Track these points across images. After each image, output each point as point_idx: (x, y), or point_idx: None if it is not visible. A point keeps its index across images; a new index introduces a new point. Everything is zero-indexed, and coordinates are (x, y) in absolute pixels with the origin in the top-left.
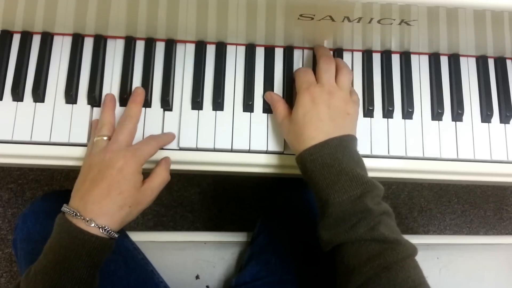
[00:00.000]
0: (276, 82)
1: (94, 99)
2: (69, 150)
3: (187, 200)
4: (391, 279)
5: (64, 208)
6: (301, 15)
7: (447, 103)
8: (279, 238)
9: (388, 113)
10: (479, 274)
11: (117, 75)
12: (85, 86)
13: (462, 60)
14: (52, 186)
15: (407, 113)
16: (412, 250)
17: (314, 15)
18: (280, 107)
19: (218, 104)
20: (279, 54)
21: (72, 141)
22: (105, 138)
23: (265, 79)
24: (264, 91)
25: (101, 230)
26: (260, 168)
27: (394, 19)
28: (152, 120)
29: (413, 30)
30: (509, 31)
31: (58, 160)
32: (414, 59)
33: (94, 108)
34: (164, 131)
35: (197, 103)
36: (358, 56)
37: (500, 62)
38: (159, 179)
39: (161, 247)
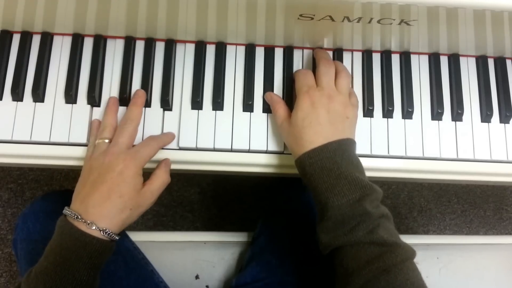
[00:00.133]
0: (276, 82)
1: (94, 99)
2: (69, 150)
3: (187, 200)
4: (390, 282)
5: (66, 211)
6: (301, 15)
7: (447, 103)
8: (280, 239)
9: (388, 113)
10: (479, 274)
11: (117, 75)
12: (85, 86)
13: (462, 60)
14: (52, 186)
15: (407, 113)
16: (411, 253)
17: (314, 15)
18: (280, 109)
19: (218, 104)
20: (279, 54)
21: (71, 141)
22: (106, 140)
23: (265, 79)
24: (264, 91)
25: (102, 233)
26: (260, 168)
27: (394, 19)
28: (152, 120)
29: (413, 30)
30: (509, 31)
31: (58, 160)
32: (414, 59)
33: (94, 108)
34: (164, 131)
35: (197, 103)
36: (358, 56)
37: (500, 62)
38: (159, 182)
39: (160, 247)
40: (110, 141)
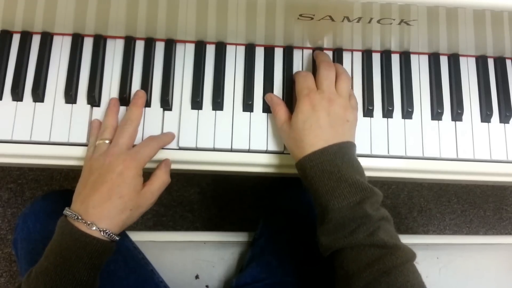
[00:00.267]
0: (275, 82)
1: (94, 99)
2: (69, 150)
3: (187, 200)
4: (390, 284)
5: (66, 211)
6: (300, 15)
7: (446, 103)
8: (280, 239)
9: (387, 112)
10: (478, 274)
11: (116, 75)
12: (85, 86)
13: (462, 60)
14: (52, 186)
15: (407, 113)
16: (411, 255)
17: (313, 15)
18: (281, 111)
19: (217, 104)
20: (278, 54)
21: (71, 140)
22: (107, 141)
23: (264, 79)
24: (264, 91)
25: (102, 233)
26: (260, 167)
27: (393, 19)
28: (151, 120)
29: (413, 30)
30: (509, 31)
31: (58, 160)
32: (413, 59)
33: (94, 108)
34: (164, 131)
35: (196, 103)
36: (357, 56)
37: (500, 62)
38: (159, 182)
39: (160, 247)
40: (111, 141)
